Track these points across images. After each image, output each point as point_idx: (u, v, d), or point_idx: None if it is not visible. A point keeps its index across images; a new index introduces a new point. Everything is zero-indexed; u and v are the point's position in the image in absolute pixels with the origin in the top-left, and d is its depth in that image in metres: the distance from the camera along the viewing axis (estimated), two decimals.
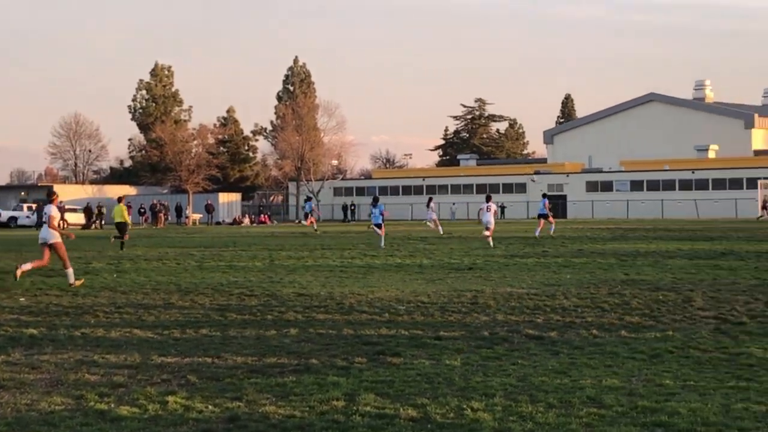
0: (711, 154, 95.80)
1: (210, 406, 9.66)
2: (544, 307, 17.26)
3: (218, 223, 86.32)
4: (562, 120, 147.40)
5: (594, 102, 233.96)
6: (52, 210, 21.03)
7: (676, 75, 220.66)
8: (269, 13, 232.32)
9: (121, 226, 37.72)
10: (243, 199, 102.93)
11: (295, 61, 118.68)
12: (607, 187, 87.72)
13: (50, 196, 21.14)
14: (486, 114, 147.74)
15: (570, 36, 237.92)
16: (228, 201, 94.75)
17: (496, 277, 23.41)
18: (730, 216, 77.76)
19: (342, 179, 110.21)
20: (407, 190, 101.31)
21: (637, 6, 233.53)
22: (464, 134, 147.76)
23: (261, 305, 17.96)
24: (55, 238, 20.91)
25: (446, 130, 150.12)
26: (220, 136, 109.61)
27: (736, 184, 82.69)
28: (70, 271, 21.25)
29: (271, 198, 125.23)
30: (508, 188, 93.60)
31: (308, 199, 59.79)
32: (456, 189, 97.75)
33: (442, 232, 50.98)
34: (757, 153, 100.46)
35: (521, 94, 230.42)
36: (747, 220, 65.65)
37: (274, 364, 12.00)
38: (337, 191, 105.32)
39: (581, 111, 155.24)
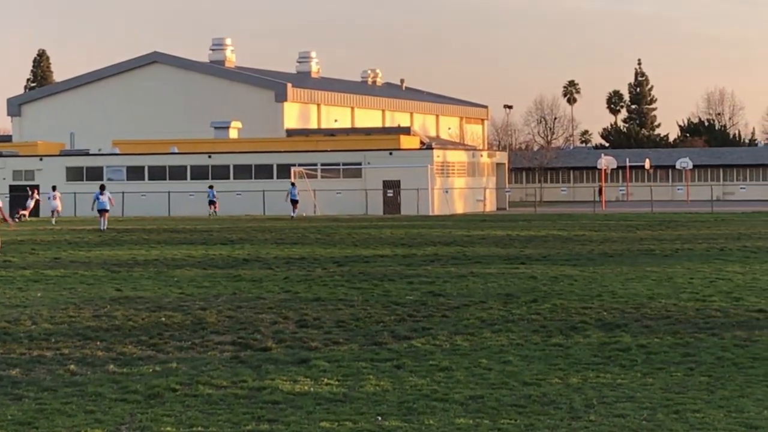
0: (233, 134, 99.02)
1: None
2: (2, 337, 16.98)
3: None
4: (34, 85, 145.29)
5: (79, 62, 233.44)
6: None
7: (189, 31, 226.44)
8: None
9: None
10: None
11: None
12: (95, 174, 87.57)
13: None
14: None
15: None
16: None
17: None
18: (255, 212, 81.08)
19: None
20: None
21: None
22: None
23: None
24: None
25: None
26: None
27: (264, 171, 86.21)
28: None
29: None
30: None
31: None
32: None
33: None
34: (291, 133, 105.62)
35: None
36: (277, 218, 68.80)
37: None
38: None
39: (61, 74, 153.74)
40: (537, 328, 17.75)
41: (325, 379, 13.51)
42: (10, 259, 33.05)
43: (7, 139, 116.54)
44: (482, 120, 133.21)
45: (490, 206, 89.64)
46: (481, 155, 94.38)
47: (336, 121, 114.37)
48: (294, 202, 70.44)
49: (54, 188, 58.11)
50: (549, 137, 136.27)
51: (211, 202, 75.91)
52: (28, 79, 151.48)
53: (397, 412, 11.75)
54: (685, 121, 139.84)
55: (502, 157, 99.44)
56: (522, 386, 13.14)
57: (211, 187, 78.15)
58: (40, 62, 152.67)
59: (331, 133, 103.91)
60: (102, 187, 56.50)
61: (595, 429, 11.07)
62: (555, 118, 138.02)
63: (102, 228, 52.23)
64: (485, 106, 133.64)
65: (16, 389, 12.87)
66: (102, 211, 54.07)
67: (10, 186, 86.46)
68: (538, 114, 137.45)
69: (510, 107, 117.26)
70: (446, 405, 12.10)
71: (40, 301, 22.00)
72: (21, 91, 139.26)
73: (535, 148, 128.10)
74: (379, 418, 11.46)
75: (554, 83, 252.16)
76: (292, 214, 70.45)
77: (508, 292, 22.92)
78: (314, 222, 61.81)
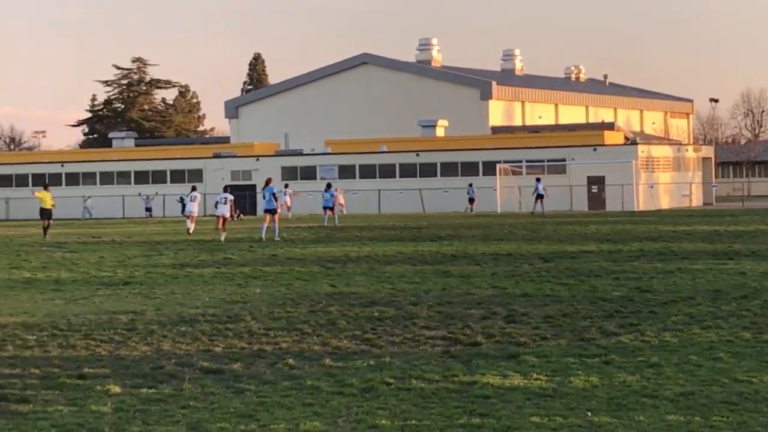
0: (440, 132, 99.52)
1: None
2: (225, 332, 17.36)
3: None
4: (250, 87, 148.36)
5: (292, 65, 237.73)
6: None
7: (396, 32, 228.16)
8: None
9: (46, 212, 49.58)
10: None
11: None
12: (309, 173, 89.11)
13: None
14: (148, 78, 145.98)
15: None
16: None
17: (162, 294, 23.30)
18: (461, 209, 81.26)
19: None
20: (39, 180, 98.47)
21: None
22: (118, 105, 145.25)
23: None
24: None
25: (94, 99, 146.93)
26: None
27: (470, 169, 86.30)
28: None
29: None
30: (178, 176, 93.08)
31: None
32: (107, 178, 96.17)
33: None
34: (496, 130, 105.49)
35: (195, 53, 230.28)
36: (484, 214, 68.82)
37: None
38: None
39: (275, 76, 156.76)
40: (747, 325, 17.32)
41: (535, 375, 13.46)
42: (230, 257, 33.86)
43: (225, 140, 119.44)
44: (687, 114, 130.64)
45: (697, 201, 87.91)
46: (687, 150, 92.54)
47: (540, 117, 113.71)
48: (539, 197, 68.96)
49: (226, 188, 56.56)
50: (757, 130, 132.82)
51: (471, 200, 76.82)
52: (244, 82, 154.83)
53: (606, 408, 11.63)
54: None
55: (708, 151, 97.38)
56: (733, 383, 12.85)
57: (470, 184, 78.87)
58: (256, 66, 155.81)
59: (535, 129, 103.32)
60: (328, 185, 60.35)
61: None
62: (763, 111, 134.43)
63: (325, 223, 55.85)
64: (690, 100, 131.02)
65: (238, 383, 13.17)
66: (327, 208, 57.83)
67: (229, 186, 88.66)
68: (745, 107, 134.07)
69: (716, 101, 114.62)
70: (656, 401, 11.92)
71: (259, 297, 22.47)
72: (238, 94, 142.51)
73: (743, 141, 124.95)
74: (589, 414, 11.36)
75: (762, 75, 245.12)
76: (535, 209, 68.79)
77: (716, 288, 22.43)
78: (520, 218, 61.57)
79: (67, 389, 12.86)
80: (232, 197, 46.23)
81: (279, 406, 11.80)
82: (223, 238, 42.29)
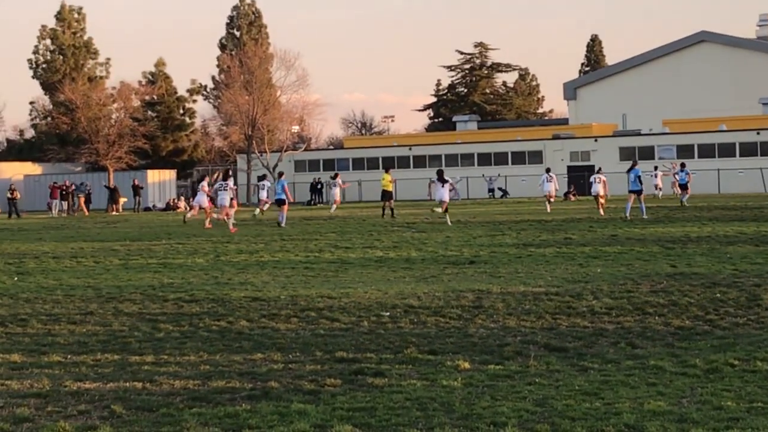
0: None
1: None
2: (567, 311, 17.35)
3: (147, 209, 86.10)
4: (587, 69, 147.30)
5: (629, 45, 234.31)
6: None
7: (734, 8, 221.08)
8: None
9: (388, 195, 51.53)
10: (179, 177, 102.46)
11: None
12: (646, 154, 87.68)
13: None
14: (489, 63, 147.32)
15: None
16: (159, 180, 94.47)
17: (506, 273, 23.50)
18: None
19: (305, 150, 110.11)
20: (389, 163, 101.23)
21: None
22: (461, 89, 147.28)
23: (204, 313, 18.00)
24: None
25: (438, 84, 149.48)
26: (147, 97, 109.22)
27: None
28: None
29: (215, 175, 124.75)
30: (518, 158, 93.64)
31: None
32: (452, 160, 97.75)
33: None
34: None
35: (534, 37, 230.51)
36: None
37: (223, 388, 12.04)
38: (299, 165, 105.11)
39: (612, 57, 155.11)
40: None
41: None
42: (571, 237, 33.80)
43: (563, 122, 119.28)
44: None
45: None
46: None
47: None
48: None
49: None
50: None
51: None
52: (582, 64, 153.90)
53: None
54: None
55: None
56: None
57: None
58: (593, 47, 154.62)
59: None
60: (682, 165, 59.90)
61: None
62: None
63: (684, 202, 55.25)
64: None
65: (582, 361, 13.16)
66: (683, 187, 57.46)
67: (568, 167, 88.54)
68: None
69: None
70: None
71: (600, 276, 22.33)
72: (576, 75, 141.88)
73: None
74: None
75: None
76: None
77: None
78: None
79: (419, 364, 13.17)
80: (604, 177, 49.44)
81: (623, 385, 11.72)
82: (602, 212, 46.41)
